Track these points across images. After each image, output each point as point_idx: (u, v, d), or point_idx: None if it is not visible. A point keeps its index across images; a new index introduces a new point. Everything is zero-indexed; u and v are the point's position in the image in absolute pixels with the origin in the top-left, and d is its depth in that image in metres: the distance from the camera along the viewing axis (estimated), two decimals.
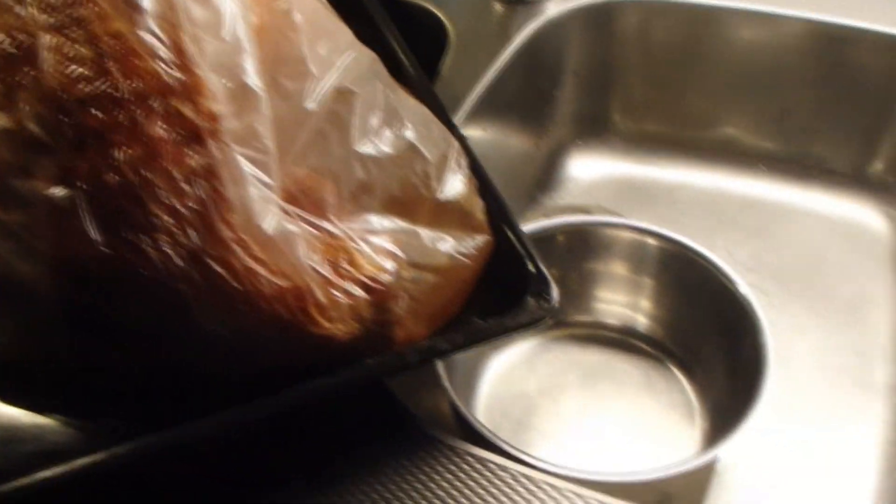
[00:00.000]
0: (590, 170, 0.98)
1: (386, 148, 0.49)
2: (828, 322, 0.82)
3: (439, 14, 0.88)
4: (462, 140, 0.55)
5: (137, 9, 0.43)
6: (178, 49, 0.43)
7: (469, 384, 0.74)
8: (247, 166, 0.43)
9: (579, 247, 0.75)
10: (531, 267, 0.53)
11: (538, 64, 0.90)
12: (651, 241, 0.73)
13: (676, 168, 0.97)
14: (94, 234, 0.42)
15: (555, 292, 0.51)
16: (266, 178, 0.44)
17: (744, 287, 0.68)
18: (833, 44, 0.88)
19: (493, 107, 0.83)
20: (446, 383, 0.61)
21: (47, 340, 0.46)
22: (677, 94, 0.96)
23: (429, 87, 0.60)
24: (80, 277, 0.43)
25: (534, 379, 0.75)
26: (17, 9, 0.43)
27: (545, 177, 0.96)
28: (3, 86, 0.42)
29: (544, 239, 0.72)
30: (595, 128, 0.99)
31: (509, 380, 0.75)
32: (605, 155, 0.99)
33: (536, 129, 0.93)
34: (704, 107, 0.96)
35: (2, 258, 0.43)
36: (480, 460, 0.51)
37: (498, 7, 0.90)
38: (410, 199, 0.50)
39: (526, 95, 0.89)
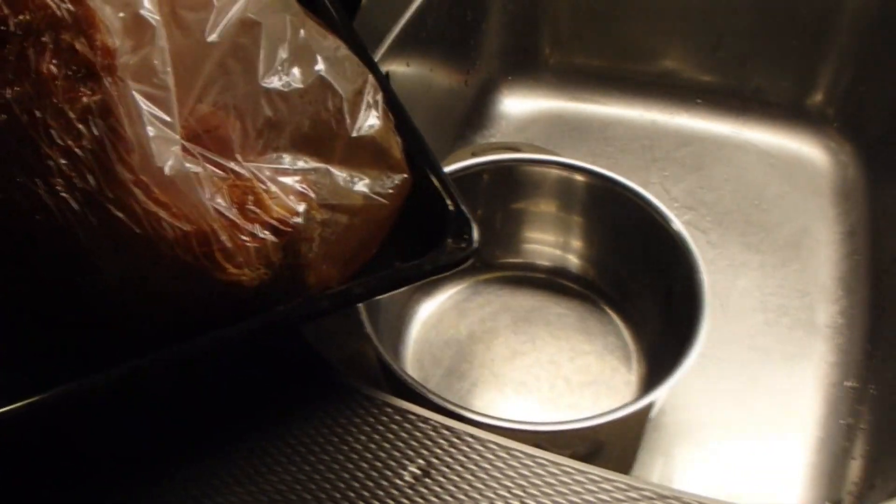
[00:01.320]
0: (521, 105, 0.98)
1: (295, 83, 0.49)
2: (767, 260, 0.84)
3: None
4: (378, 75, 0.55)
5: None
6: None
7: (397, 330, 0.74)
8: (144, 104, 0.43)
9: (506, 185, 0.75)
10: (450, 206, 0.53)
11: None
12: (579, 177, 0.74)
13: (610, 103, 0.98)
14: None
15: (475, 232, 0.51)
16: (165, 116, 0.43)
17: (677, 223, 0.68)
18: None
19: (417, 40, 0.82)
20: (369, 329, 0.62)
21: None
22: (609, 25, 0.97)
23: (344, 19, 0.60)
24: None
25: (464, 324, 0.76)
26: None
27: (474, 113, 0.96)
28: None
29: (469, 178, 0.73)
30: (525, 62, 0.99)
31: (439, 325, 0.76)
32: (536, 90, 0.99)
33: (464, 64, 0.93)
34: (637, 38, 0.97)
35: None
36: (400, 411, 0.51)
37: None
38: (322, 137, 0.50)
39: (451, 28, 0.89)
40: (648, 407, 0.60)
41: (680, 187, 0.90)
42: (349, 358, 0.66)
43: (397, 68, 0.80)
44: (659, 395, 0.59)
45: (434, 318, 0.77)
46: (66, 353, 0.46)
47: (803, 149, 0.94)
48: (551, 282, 0.79)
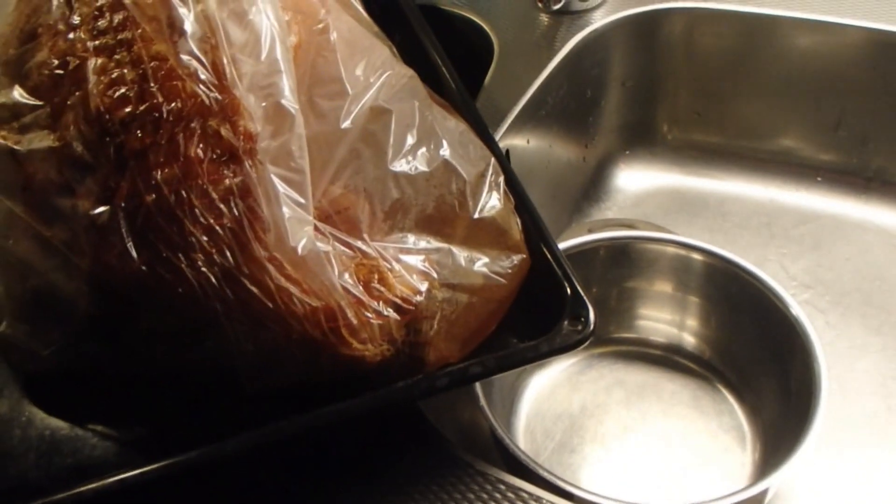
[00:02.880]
0: (638, 181, 0.99)
1: (421, 166, 0.52)
2: (888, 343, 0.82)
3: (484, 25, 0.91)
4: (500, 157, 0.57)
5: (179, 31, 0.46)
6: (217, 70, 0.46)
7: (509, 402, 0.75)
8: (281, 186, 0.46)
9: (622, 262, 0.76)
10: (568, 289, 0.54)
11: (584, 74, 0.92)
12: (697, 256, 0.74)
13: (727, 180, 0.99)
14: (133, 252, 0.45)
15: (592, 316, 0.52)
16: (300, 198, 0.46)
17: (795, 306, 0.68)
18: (890, 51, 0.88)
19: (537, 118, 0.85)
20: (483, 402, 0.63)
21: (86, 352, 0.50)
22: (726, 104, 0.97)
23: (469, 101, 0.62)
24: (117, 293, 0.47)
25: (577, 398, 0.77)
26: (69, 33, 0.47)
27: (592, 188, 0.97)
28: (52, 107, 0.46)
29: (585, 254, 0.74)
30: (642, 138, 1.00)
31: (551, 398, 0.77)
32: (654, 166, 1.00)
33: (582, 140, 0.95)
34: (755, 116, 0.97)
35: (46, 274, 0.47)
36: (513, 489, 0.52)
37: (543, 18, 0.93)
38: (445, 218, 0.53)
39: (571, 106, 0.91)
40: (763, 493, 0.59)
41: (798, 266, 0.89)
42: (462, 427, 0.68)
43: (517, 144, 0.82)
44: (773, 481, 0.59)
45: (546, 390, 0.77)
46: (193, 413, 0.50)
47: None
48: (665, 358, 0.79)
